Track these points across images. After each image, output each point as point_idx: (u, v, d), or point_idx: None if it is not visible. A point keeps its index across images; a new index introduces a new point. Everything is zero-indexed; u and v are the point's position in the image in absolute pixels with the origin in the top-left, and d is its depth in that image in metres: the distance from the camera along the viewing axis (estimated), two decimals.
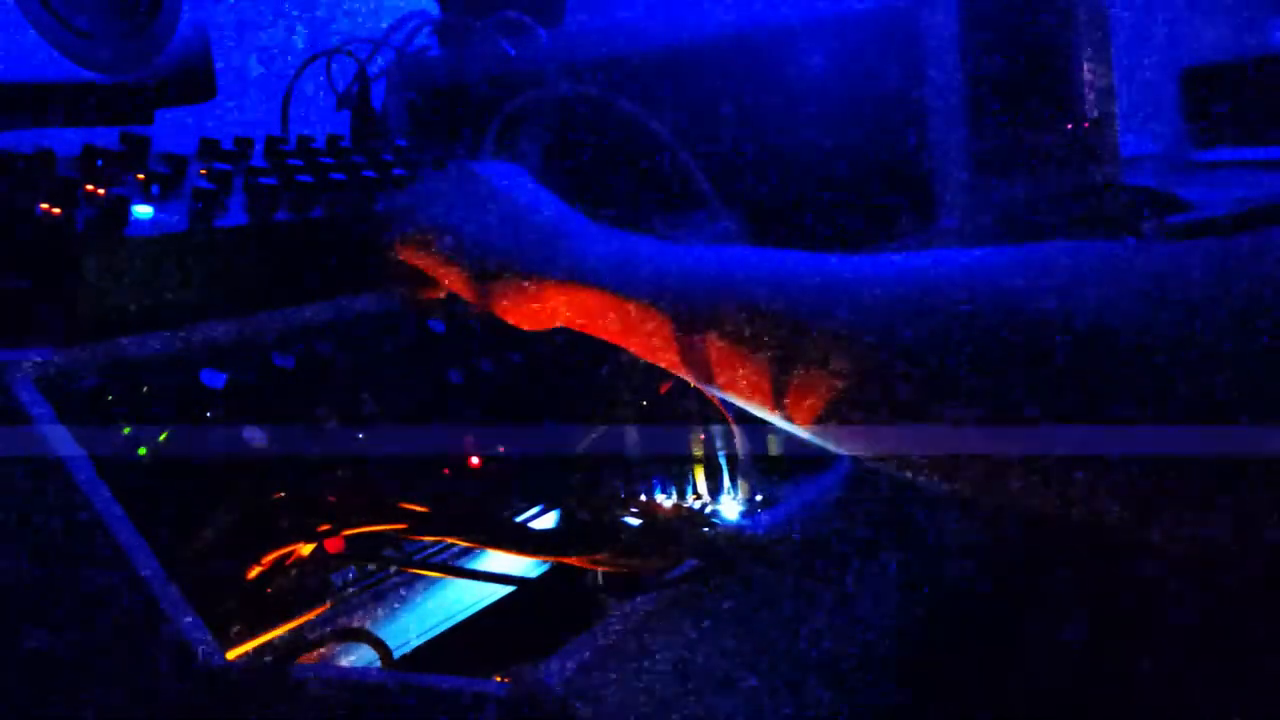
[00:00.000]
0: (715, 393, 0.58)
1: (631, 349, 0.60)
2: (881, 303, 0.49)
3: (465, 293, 0.65)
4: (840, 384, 0.49)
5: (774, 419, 0.55)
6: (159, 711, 0.50)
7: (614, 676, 0.48)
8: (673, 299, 0.56)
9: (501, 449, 0.70)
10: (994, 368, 0.44)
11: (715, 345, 0.55)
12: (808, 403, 0.51)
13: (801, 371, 0.51)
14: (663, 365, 0.59)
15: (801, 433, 0.54)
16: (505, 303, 0.63)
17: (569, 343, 0.76)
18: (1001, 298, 0.45)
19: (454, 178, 0.68)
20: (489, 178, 0.67)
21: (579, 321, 0.61)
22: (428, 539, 0.60)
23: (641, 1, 1.15)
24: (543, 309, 0.62)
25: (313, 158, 0.79)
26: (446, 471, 0.66)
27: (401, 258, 0.67)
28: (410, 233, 0.66)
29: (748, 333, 0.53)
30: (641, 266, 0.59)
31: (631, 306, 0.58)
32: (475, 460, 0.68)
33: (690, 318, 0.56)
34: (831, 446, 0.53)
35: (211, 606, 0.51)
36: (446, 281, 0.66)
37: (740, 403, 0.57)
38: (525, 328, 0.64)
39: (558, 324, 0.63)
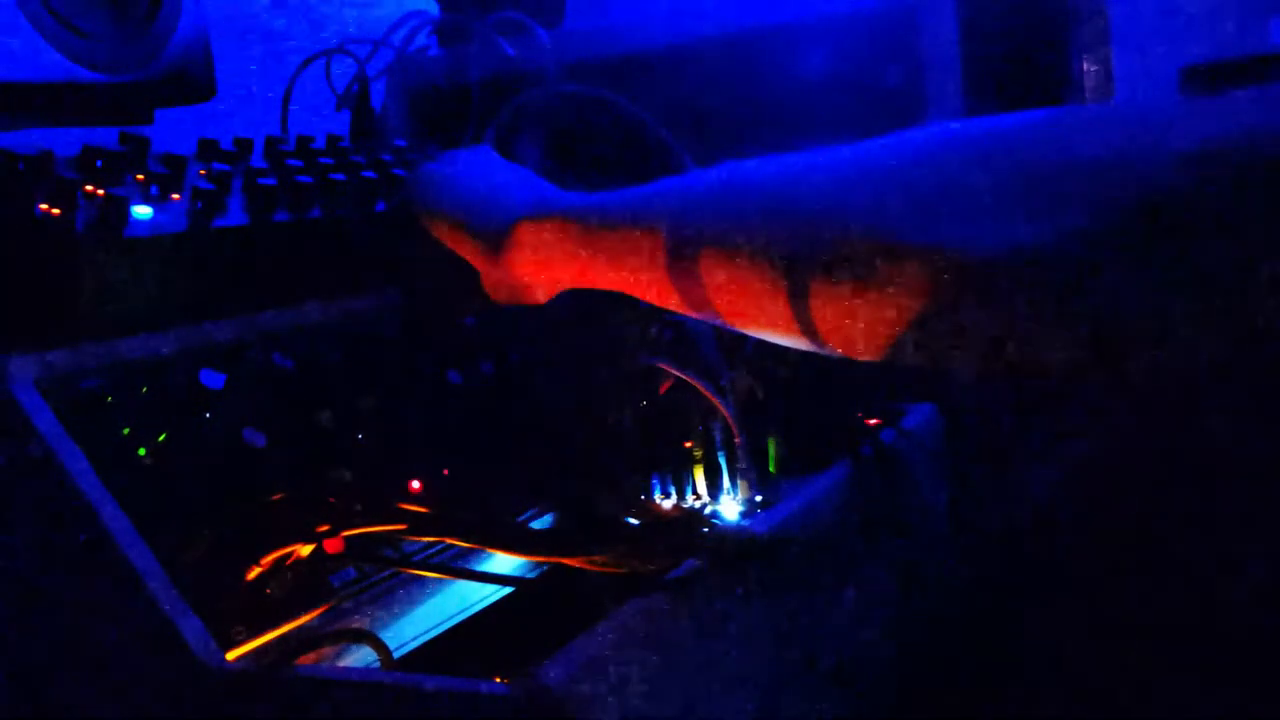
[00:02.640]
0: (716, 322, 0.55)
1: (627, 286, 0.59)
2: (904, 173, 0.45)
3: (477, 258, 0.68)
4: (907, 294, 0.43)
5: (789, 340, 0.51)
6: (159, 712, 0.50)
7: (614, 676, 0.48)
8: (663, 218, 0.55)
9: (500, 450, 0.70)
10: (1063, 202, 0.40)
11: (713, 262, 0.51)
12: (848, 313, 0.46)
13: (829, 279, 0.46)
14: (659, 300, 0.58)
15: (834, 351, 0.49)
16: (512, 257, 0.65)
17: (569, 343, 0.76)
18: (1025, 149, 0.43)
19: (448, 160, 0.74)
20: (482, 156, 0.73)
21: (577, 265, 0.62)
22: (427, 539, 0.60)
23: (641, 1, 1.15)
24: (545, 257, 0.63)
25: (312, 158, 0.79)
26: (446, 472, 0.66)
27: (429, 229, 0.71)
28: (427, 204, 0.71)
29: (751, 240, 0.49)
30: (629, 196, 0.59)
31: (622, 233, 0.58)
32: (474, 460, 0.68)
33: (681, 234, 0.53)
34: (881, 359, 0.48)
35: (211, 607, 0.51)
36: (461, 250, 0.69)
37: (744, 328, 0.54)
38: (533, 289, 0.66)
39: (560, 278, 0.64)
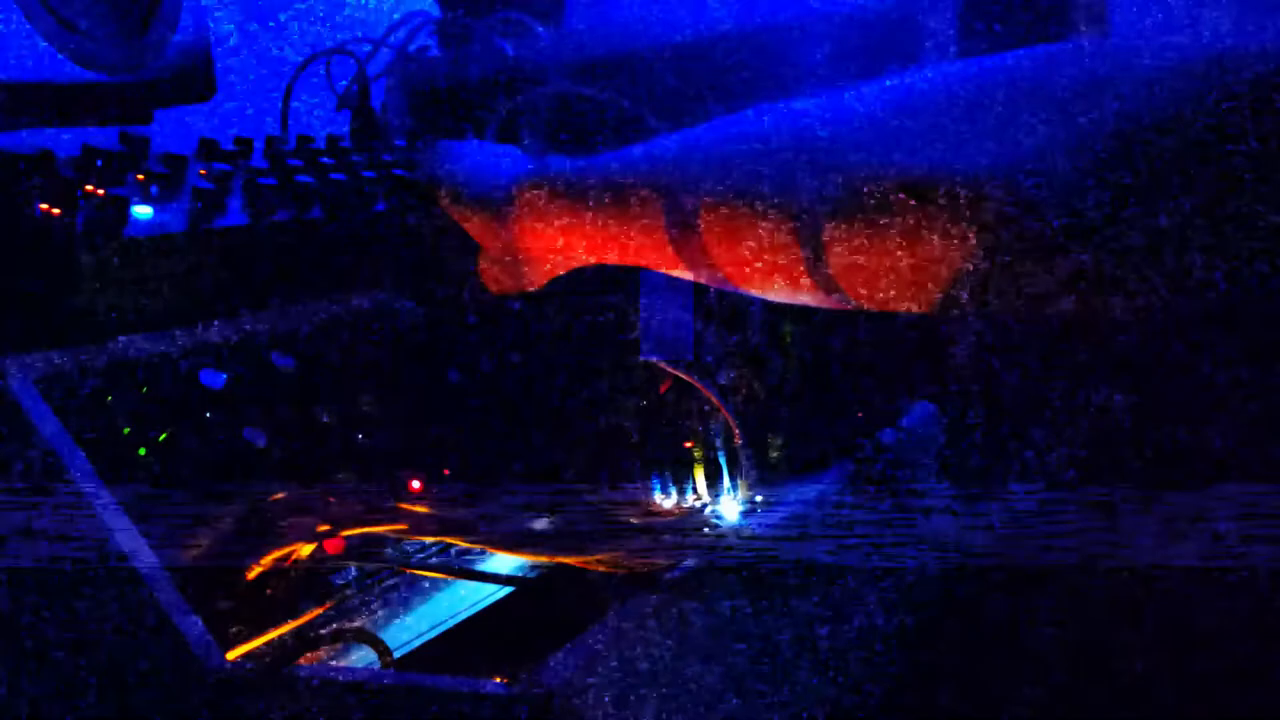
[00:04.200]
0: (719, 283, 0.53)
1: (627, 250, 0.58)
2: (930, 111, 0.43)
3: (480, 229, 0.68)
4: (941, 232, 0.40)
5: (800, 296, 0.49)
6: (159, 712, 0.50)
7: (614, 676, 0.48)
8: (660, 171, 0.53)
9: (500, 450, 0.70)
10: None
11: (713, 214, 0.49)
12: (868, 262, 0.43)
13: (848, 222, 0.43)
14: (660, 262, 0.56)
15: (854, 304, 0.47)
16: (513, 223, 0.66)
17: (569, 343, 0.76)
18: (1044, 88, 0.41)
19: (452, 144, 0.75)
20: (490, 142, 0.76)
21: (576, 228, 0.62)
22: (428, 539, 0.60)
23: (641, 1, 1.15)
24: (546, 222, 0.63)
25: (312, 158, 0.79)
26: (446, 472, 0.66)
27: (438, 197, 0.71)
28: (434, 171, 0.72)
29: (752, 188, 0.47)
30: (627, 154, 0.59)
31: (620, 189, 0.56)
32: (474, 460, 0.68)
33: (679, 185, 0.51)
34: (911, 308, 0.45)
35: (212, 607, 0.51)
36: (464, 219, 0.70)
37: (750, 287, 0.51)
38: (531, 265, 0.67)
39: (560, 246, 0.64)
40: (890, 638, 0.70)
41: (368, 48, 1.13)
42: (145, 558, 0.51)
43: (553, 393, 0.75)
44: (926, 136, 0.43)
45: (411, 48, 1.19)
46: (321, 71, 1.11)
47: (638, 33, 1.09)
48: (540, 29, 1.07)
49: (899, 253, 0.43)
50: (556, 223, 0.63)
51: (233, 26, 1.21)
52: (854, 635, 0.66)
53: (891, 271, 0.44)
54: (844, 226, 0.44)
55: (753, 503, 0.67)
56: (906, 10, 0.97)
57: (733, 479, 0.68)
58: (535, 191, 0.64)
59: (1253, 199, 0.36)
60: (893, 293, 0.45)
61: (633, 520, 0.65)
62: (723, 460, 0.68)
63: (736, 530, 0.62)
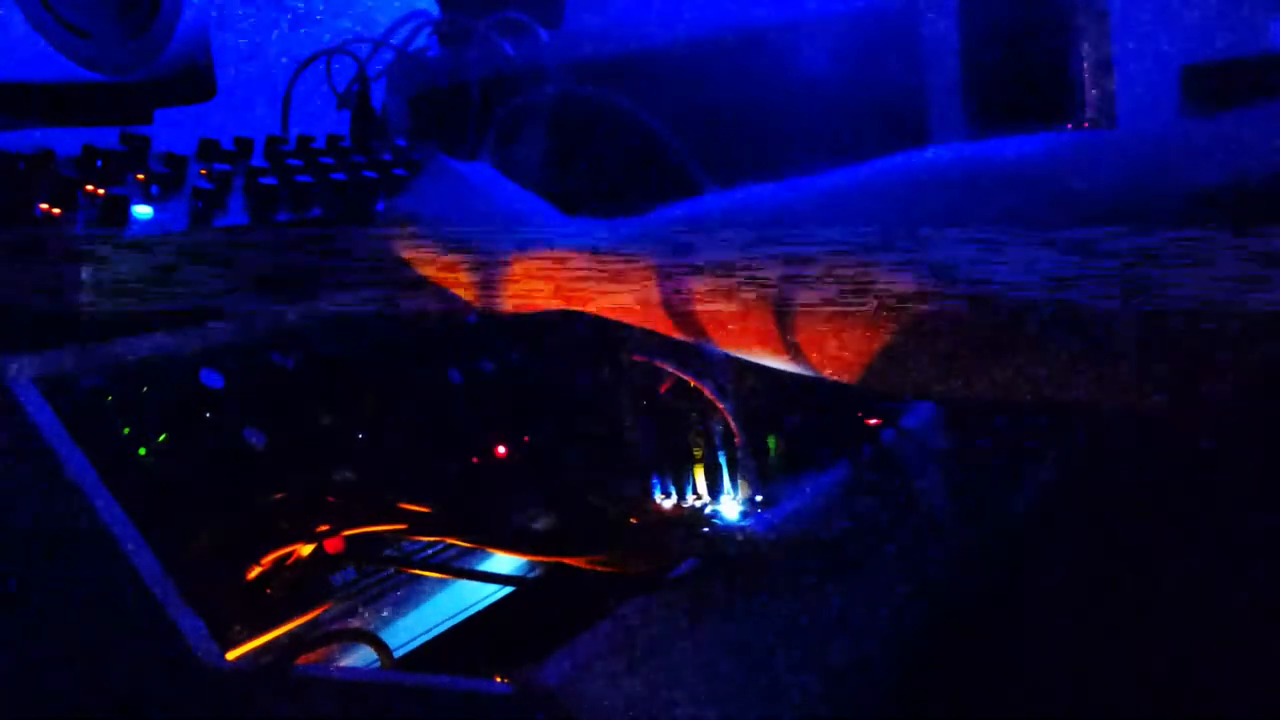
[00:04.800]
0: (708, 345, 0.58)
1: (621, 315, 0.60)
2: (894, 202, 0.47)
3: (464, 286, 0.67)
4: (886, 322, 0.45)
5: (777, 362, 0.54)
6: (159, 712, 0.50)
7: (614, 676, 0.48)
8: (654, 251, 0.57)
9: (501, 450, 0.70)
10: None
11: (703, 288, 0.54)
12: (834, 344, 0.48)
13: (812, 304, 0.48)
14: (653, 325, 0.59)
15: (814, 372, 0.52)
16: (502, 284, 0.65)
17: (569, 342, 0.76)
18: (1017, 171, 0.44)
19: (436, 177, 0.72)
20: (468, 176, 0.72)
21: (569, 296, 0.63)
22: (428, 539, 0.60)
23: (641, 1, 1.15)
24: (537, 289, 0.64)
25: (313, 158, 0.78)
26: (447, 472, 0.66)
27: (406, 259, 0.69)
28: (408, 234, 0.69)
29: (740, 268, 0.51)
30: (620, 227, 0.61)
31: (615, 261, 0.59)
32: (474, 460, 0.68)
33: (672, 265, 0.55)
34: (870, 386, 0.50)
35: (211, 606, 0.51)
36: (446, 277, 0.68)
37: (736, 351, 0.56)
38: (524, 311, 0.66)
39: (554, 301, 0.64)
40: (892, 640, 0.70)
41: (368, 48, 1.13)
42: (145, 558, 0.51)
43: (553, 393, 0.75)
44: (906, 231, 0.46)
45: (411, 48, 1.19)
46: (322, 71, 1.11)
47: (638, 33, 1.09)
48: (540, 29, 1.07)
49: (860, 337, 0.48)
50: (547, 289, 0.64)
51: (233, 27, 1.21)
52: (854, 636, 0.66)
53: (852, 352, 0.49)
54: (808, 305, 0.49)
55: (753, 503, 0.67)
56: (906, 10, 0.97)
57: (733, 479, 0.68)
58: (526, 265, 0.65)
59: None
60: (845, 370, 0.51)
61: (633, 520, 0.65)
62: (723, 460, 0.68)
63: (736, 530, 0.62)
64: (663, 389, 0.72)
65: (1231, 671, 0.65)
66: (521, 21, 1.07)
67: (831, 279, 0.48)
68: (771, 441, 0.69)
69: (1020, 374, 0.44)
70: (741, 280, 0.52)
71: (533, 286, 0.65)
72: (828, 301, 0.48)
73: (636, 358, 0.69)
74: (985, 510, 0.81)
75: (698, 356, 0.69)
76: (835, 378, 0.52)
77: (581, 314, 0.67)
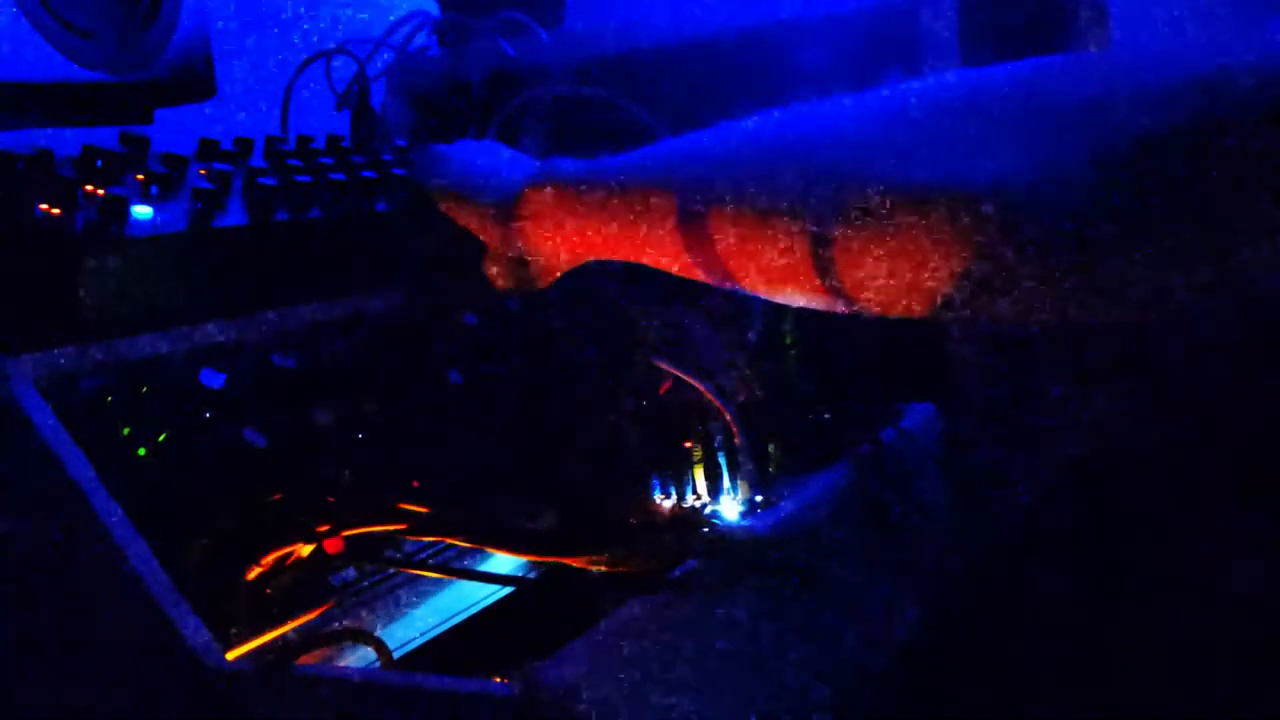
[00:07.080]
0: (731, 286, 0.54)
1: (636, 251, 0.59)
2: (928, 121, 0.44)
3: (484, 229, 0.68)
4: (944, 241, 0.41)
5: (810, 300, 0.50)
6: (159, 712, 0.50)
7: (614, 676, 0.48)
8: (671, 175, 0.54)
9: (500, 450, 0.70)
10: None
11: (724, 219, 0.50)
12: (877, 269, 0.44)
13: (857, 229, 0.44)
14: (670, 265, 0.57)
15: (864, 310, 0.48)
16: (520, 224, 0.65)
17: (569, 343, 0.76)
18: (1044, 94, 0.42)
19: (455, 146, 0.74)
20: (488, 143, 0.74)
21: (585, 229, 0.62)
22: (428, 539, 0.60)
23: (641, 1, 1.15)
24: (554, 223, 0.63)
25: (312, 158, 0.78)
26: (447, 472, 0.66)
27: (436, 204, 0.70)
28: (436, 181, 0.71)
29: (764, 193, 0.48)
30: (636, 157, 0.59)
31: (630, 193, 0.57)
32: (474, 460, 0.68)
33: (690, 190, 0.52)
34: (911, 313, 0.46)
35: (211, 606, 0.51)
36: (469, 222, 0.69)
37: (760, 290, 0.52)
38: (538, 266, 0.67)
39: (568, 247, 0.64)
40: (891, 638, 0.70)
41: (368, 48, 1.13)
42: (145, 558, 0.51)
43: (553, 392, 0.75)
44: (929, 146, 0.44)
45: (411, 48, 1.19)
46: (321, 71, 1.11)
47: (638, 33, 1.09)
48: (540, 29, 1.07)
49: (902, 260, 0.44)
50: (565, 224, 0.63)
51: (233, 27, 1.21)
52: (855, 636, 0.66)
53: (893, 277, 0.45)
54: (852, 235, 0.45)
55: (753, 503, 0.67)
56: (906, 10, 0.97)
57: (733, 479, 0.68)
58: (543, 193, 0.64)
59: (1255, 210, 0.37)
60: (896, 298, 0.46)
61: (633, 520, 0.65)
62: (723, 460, 0.68)
63: (736, 530, 0.62)
64: (663, 389, 0.72)
65: (1231, 671, 0.65)
66: (521, 21, 1.07)
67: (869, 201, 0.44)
68: (771, 441, 0.69)
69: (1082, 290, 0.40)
70: (770, 206, 0.48)
71: (545, 223, 0.64)
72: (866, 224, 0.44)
73: (637, 359, 0.69)
74: (985, 510, 0.81)
75: (696, 352, 0.69)
76: (871, 308, 0.48)
77: (583, 305, 0.67)
